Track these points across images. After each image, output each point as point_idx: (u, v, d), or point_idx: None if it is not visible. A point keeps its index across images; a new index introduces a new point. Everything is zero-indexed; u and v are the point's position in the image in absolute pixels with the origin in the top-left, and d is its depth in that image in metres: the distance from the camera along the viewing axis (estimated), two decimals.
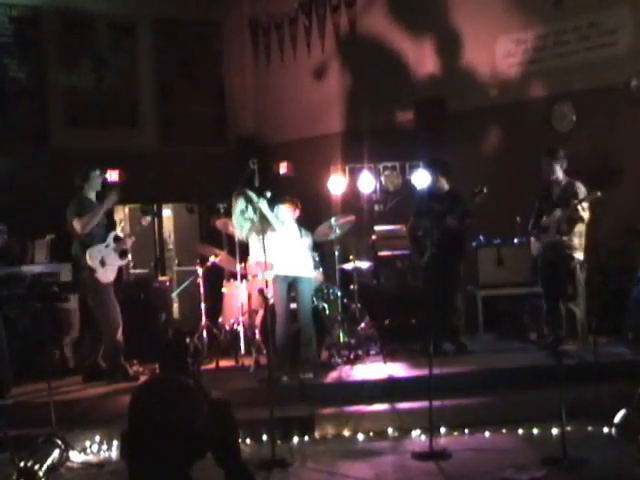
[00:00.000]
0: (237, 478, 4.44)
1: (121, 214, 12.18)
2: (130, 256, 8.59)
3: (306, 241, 8.89)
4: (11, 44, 12.22)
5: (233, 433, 3.52)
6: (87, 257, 7.98)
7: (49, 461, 6.16)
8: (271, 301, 8.04)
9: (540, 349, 8.47)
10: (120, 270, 8.39)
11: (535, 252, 8.47)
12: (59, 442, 6.42)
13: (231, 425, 3.27)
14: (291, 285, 8.11)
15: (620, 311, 8.45)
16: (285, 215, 8.30)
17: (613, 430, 6.32)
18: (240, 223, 7.97)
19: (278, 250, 8.07)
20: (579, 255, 8.20)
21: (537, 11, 10.59)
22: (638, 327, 7.66)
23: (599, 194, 7.90)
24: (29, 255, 9.54)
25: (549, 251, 8.28)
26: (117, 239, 8.24)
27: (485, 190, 8.32)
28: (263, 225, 7.70)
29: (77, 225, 8.01)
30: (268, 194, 7.96)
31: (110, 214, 8.52)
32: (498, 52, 11.00)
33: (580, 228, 8.15)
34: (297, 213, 8.83)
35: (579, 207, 8.00)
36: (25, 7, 12.28)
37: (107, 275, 8.08)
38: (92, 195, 8.25)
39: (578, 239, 8.18)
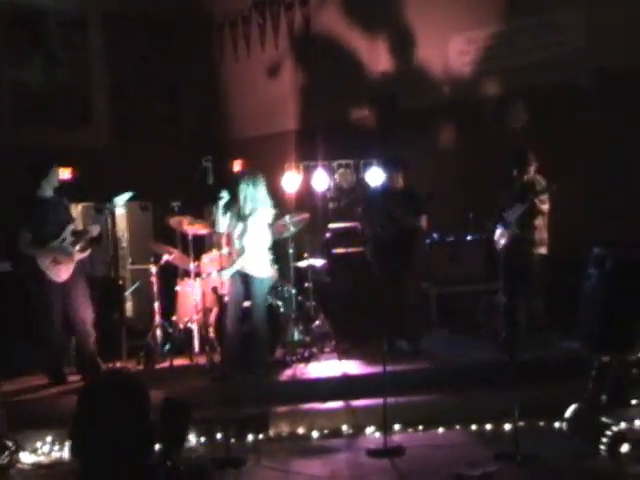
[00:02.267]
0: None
1: (74, 212, 12.04)
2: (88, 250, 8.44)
3: None
4: None
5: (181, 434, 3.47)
6: (39, 259, 7.87)
7: None
8: (225, 299, 8.01)
9: (494, 345, 8.52)
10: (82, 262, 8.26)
11: (500, 246, 8.50)
12: (9, 443, 6.35)
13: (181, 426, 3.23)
14: (245, 283, 8.05)
15: (574, 307, 8.52)
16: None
17: (564, 425, 6.40)
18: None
19: (234, 246, 8.03)
20: (540, 250, 8.26)
21: (490, 10, 10.67)
22: (589, 323, 7.73)
23: (555, 187, 7.97)
24: None
25: (511, 246, 8.33)
26: (75, 233, 8.12)
27: (432, 197, 8.37)
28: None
29: (20, 240, 7.89)
30: (224, 194, 7.93)
31: (68, 208, 8.39)
32: (451, 50, 11.07)
33: (540, 222, 8.21)
34: None
35: (536, 201, 8.06)
36: None
37: (60, 274, 7.96)
38: (48, 192, 8.10)
39: (539, 233, 8.23)
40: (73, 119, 12.74)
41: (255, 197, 7.94)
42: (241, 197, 7.94)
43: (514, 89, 10.45)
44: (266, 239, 8.12)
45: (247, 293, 8.06)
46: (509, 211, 8.30)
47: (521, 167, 8.29)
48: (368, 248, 8.90)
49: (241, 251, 7.91)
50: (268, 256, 8.25)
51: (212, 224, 8.26)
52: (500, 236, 8.46)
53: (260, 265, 8.01)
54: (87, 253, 8.30)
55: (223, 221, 7.89)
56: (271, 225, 8.20)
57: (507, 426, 6.64)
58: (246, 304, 8.19)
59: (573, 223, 9.30)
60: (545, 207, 8.16)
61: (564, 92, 9.92)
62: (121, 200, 8.63)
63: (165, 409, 3.24)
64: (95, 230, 8.28)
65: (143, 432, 2.44)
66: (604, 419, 6.24)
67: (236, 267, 7.93)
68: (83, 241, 8.16)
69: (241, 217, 7.94)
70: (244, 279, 8.00)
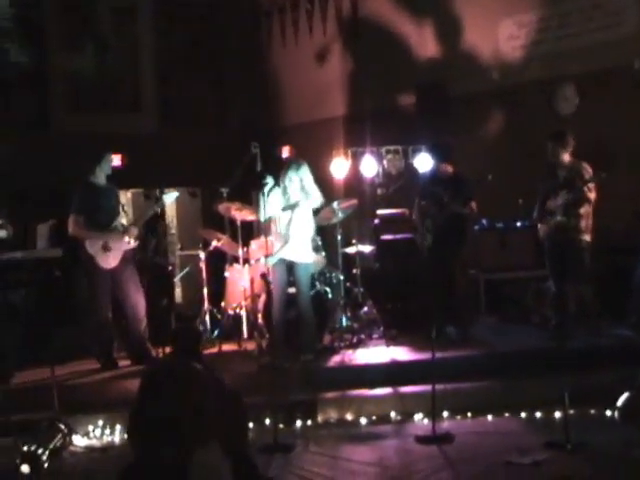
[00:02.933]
0: (242, 468, 4.45)
1: (123, 199, 12.15)
2: (136, 241, 8.54)
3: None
4: (11, 28, 12.18)
5: (241, 424, 3.50)
6: (86, 243, 7.98)
7: (52, 445, 6.18)
8: (272, 285, 8.02)
9: (543, 332, 8.45)
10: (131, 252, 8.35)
11: (542, 235, 8.43)
12: (62, 427, 6.45)
13: (240, 416, 3.25)
14: (290, 269, 8.06)
15: (625, 294, 8.43)
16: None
17: (616, 413, 6.32)
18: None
19: (279, 233, 8.04)
20: (586, 237, 8.17)
21: None
22: None
23: (604, 175, 7.86)
24: (31, 240, 9.51)
25: (556, 234, 8.24)
26: (123, 227, 8.22)
27: (490, 177, 8.30)
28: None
29: (70, 223, 8.01)
30: (269, 180, 7.93)
31: (118, 199, 8.48)
32: (500, 35, 10.95)
33: (586, 210, 8.11)
34: None
35: (584, 188, 7.96)
36: None
37: (108, 261, 8.05)
38: (101, 178, 8.21)
39: (585, 221, 8.13)
40: (122, 105, 12.85)
41: (301, 184, 7.94)
42: (287, 184, 7.94)
43: (565, 74, 10.32)
44: (310, 226, 8.12)
45: (292, 279, 8.07)
46: (554, 199, 8.21)
47: (559, 149, 8.19)
48: (420, 236, 8.85)
49: (286, 239, 7.90)
50: (311, 243, 8.26)
51: (257, 210, 8.28)
52: (542, 225, 8.38)
53: (303, 251, 8.01)
54: (136, 244, 8.39)
55: (268, 207, 7.89)
56: (318, 212, 8.20)
57: (557, 414, 6.58)
58: (292, 290, 8.21)
59: (626, 209, 9.19)
60: (592, 195, 8.05)
61: (617, 77, 9.77)
62: (169, 198, 8.70)
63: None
64: (134, 232, 8.31)
65: (198, 425, 2.45)
66: None
67: (280, 255, 7.93)
68: (134, 231, 8.26)
69: (287, 204, 7.94)
70: (288, 266, 8.01)
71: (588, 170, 8.09)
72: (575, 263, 8.11)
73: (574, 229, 8.09)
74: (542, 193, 8.38)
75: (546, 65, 10.52)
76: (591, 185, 8.01)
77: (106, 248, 8.01)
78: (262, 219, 8.00)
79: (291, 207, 7.90)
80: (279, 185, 7.99)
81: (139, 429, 2.49)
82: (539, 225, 8.44)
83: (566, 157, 8.23)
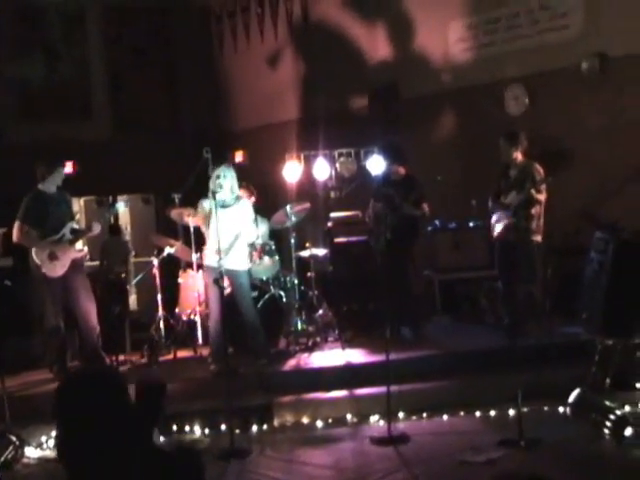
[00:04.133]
0: None
1: (76, 206, 12.05)
2: (85, 249, 8.49)
3: (262, 229, 8.89)
4: None
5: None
6: (33, 252, 7.89)
7: (3, 458, 6.11)
8: (228, 290, 7.99)
9: (497, 331, 8.52)
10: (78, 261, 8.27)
11: (495, 233, 8.50)
12: (14, 438, 6.36)
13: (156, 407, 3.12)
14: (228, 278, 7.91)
15: (575, 292, 8.52)
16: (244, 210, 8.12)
17: (568, 409, 6.40)
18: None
19: (212, 241, 7.81)
20: (536, 237, 8.25)
21: None
22: (591, 307, 7.72)
23: (550, 179, 7.97)
24: None
25: (506, 234, 8.32)
26: (74, 231, 8.14)
27: (439, 179, 8.35)
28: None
29: (15, 230, 7.94)
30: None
31: (69, 205, 8.39)
32: (450, 37, 11.02)
33: (537, 210, 8.19)
34: (252, 200, 8.84)
35: (532, 190, 8.04)
36: None
37: (55, 270, 7.95)
38: (52, 188, 8.12)
39: (535, 221, 8.22)
40: (74, 113, 12.74)
41: (231, 188, 7.88)
42: (226, 187, 7.84)
43: (514, 75, 10.41)
44: (248, 231, 8.09)
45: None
46: (505, 198, 8.29)
47: (511, 148, 8.28)
48: (373, 238, 8.88)
49: (226, 248, 7.69)
50: (265, 247, 8.24)
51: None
52: (496, 222, 8.44)
53: (241, 259, 7.97)
54: (84, 253, 8.32)
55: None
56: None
57: (511, 411, 6.64)
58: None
59: (576, 209, 9.30)
60: (541, 197, 8.14)
61: (565, 77, 9.89)
62: (121, 206, 8.64)
63: (138, 391, 3.18)
64: (97, 228, 8.27)
65: (123, 421, 2.42)
66: (608, 403, 6.25)
67: (216, 264, 7.54)
68: (82, 239, 8.20)
69: (224, 208, 7.82)
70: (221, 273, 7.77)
71: (540, 171, 8.17)
72: (525, 263, 8.19)
73: (524, 230, 8.17)
74: (494, 191, 8.46)
75: (495, 67, 10.60)
76: (541, 186, 8.09)
77: (52, 257, 7.92)
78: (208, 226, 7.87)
79: (228, 211, 7.79)
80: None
81: (65, 441, 2.44)
82: (493, 220, 8.49)
83: (518, 157, 8.32)
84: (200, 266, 8.94)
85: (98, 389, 2.41)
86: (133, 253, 11.16)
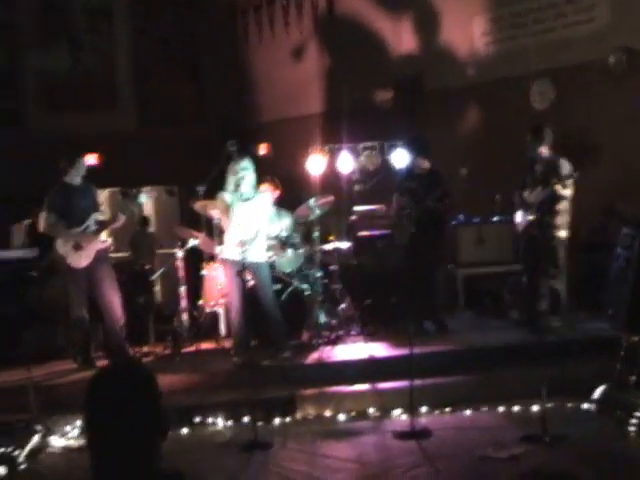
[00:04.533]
0: None
1: (101, 198, 12.09)
2: (110, 240, 8.53)
3: (285, 222, 8.89)
4: None
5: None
6: (58, 242, 7.94)
7: (29, 447, 6.14)
8: (251, 283, 8.00)
9: (521, 326, 8.48)
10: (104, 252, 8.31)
11: (519, 228, 8.46)
12: (39, 428, 6.40)
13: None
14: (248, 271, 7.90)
15: (600, 287, 8.47)
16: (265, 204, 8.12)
17: (592, 406, 6.36)
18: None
19: (233, 234, 7.88)
20: (562, 233, 8.19)
21: None
22: (617, 303, 7.67)
23: (576, 174, 7.89)
24: (6, 240, 9.48)
25: (531, 229, 8.27)
26: (99, 223, 8.17)
27: (464, 172, 8.31)
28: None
29: (41, 220, 7.99)
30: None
31: (94, 196, 8.43)
32: (476, 30, 10.98)
33: (563, 206, 8.13)
34: (277, 193, 8.86)
35: (558, 186, 7.98)
36: None
37: (80, 260, 7.99)
38: (76, 180, 8.16)
39: (561, 217, 8.16)
40: (99, 104, 12.80)
41: (254, 182, 7.89)
42: (248, 181, 7.83)
43: (540, 69, 10.36)
44: (268, 224, 8.11)
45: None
46: (530, 193, 8.24)
47: (535, 143, 8.22)
48: (397, 232, 8.87)
49: (247, 240, 7.71)
50: (288, 240, 8.25)
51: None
52: (520, 219, 8.40)
53: (262, 251, 7.99)
54: (108, 244, 8.36)
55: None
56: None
57: (534, 407, 6.59)
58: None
59: (603, 203, 9.24)
60: (567, 192, 8.07)
61: (591, 71, 9.82)
62: (145, 198, 8.70)
63: None
64: (121, 220, 8.31)
65: (153, 419, 2.42)
66: (633, 400, 6.21)
67: (237, 256, 7.63)
68: (106, 230, 8.24)
69: (245, 201, 7.84)
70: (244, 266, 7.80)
71: (566, 166, 8.09)
72: (548, 259, 8.15)
73: (549, 225, 8.12)
74: (519, 186, 8.41)
75: (521, 60, 10.55)
76: (567, 182, 8.02)
77: (77, 248, 7.95)
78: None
79: (249, 204, 7.80)
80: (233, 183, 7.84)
81: (93, 434, 2.44)
82: (518, 216, 8.45)
83: (544, 151, 8.25)
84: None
85: (128, 383, 2.41)
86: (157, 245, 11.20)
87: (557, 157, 8.22)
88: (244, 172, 7.74)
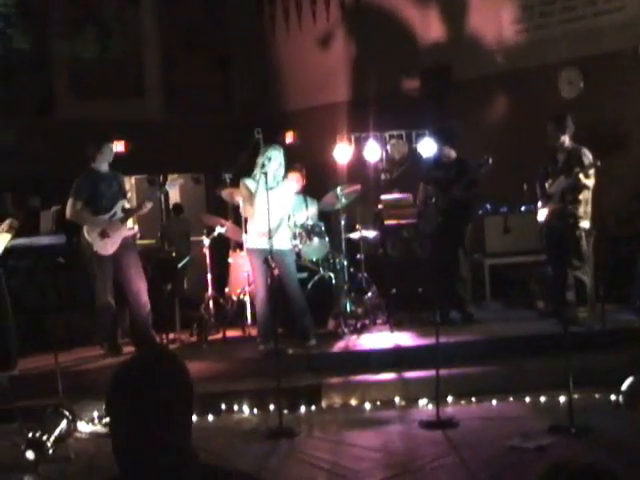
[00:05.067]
0: None
1: (127, 185, 12.15)
2: (136, 227, 8.57)
3: (311, 210, 8.89)
4: (14, 14, 12.18)
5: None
6: (84, 229, 7.98)
7: (57, 431, 6.18)
8: (276, 272, 7.99)
9: (547, 317, 8.44)
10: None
11: (542, 218, 8.41)
12: (66, 413, 6.44)
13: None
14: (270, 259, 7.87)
15: (628, 279, 8.42)
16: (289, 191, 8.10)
17: (620, 398, 6.32)
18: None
19: (257, 222, 7.84)
20: (584, 223, 8.13)
21: None
22: None
23: (598, 163, 7.81)
24: (34, 227, 9.53)
25: (554, 219, 8.22)
26: (126, 210, 8.20)
27: (490, 161, 8.25)
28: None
29: (68, 207, 8.04)
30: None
31: (121, 183, 8.45)
32: (504, 18, 10.90)
33: (585, 195, 8.06)
34: (302, 182, 8.86)
35: (581, 175, 7.91)
36: None
37: (106, 247, 8.02)
38: (104, 166, 8.17)
39: (583, 207, 8.09)
40: (125, 91, 12.84)
41: (281, 170, 7.86)
42: (272, 169, 7.73)
43: (569, 57, 10.28)
44: (292, 212, 8.14)
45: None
46: (552, 183, 8.17)
47: (557, 132, 8.15)
48: (423, 220, 8.85)
49: (272, 228, 7.65)
50: (315, 228, 8.28)
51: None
52: (542, 207, 8.33)
53: (286, 239, 7.99)
54: (135, 231, 8.39)
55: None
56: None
57: (561, 398, 6.57)
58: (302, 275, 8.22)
59: (630, 193, 9.16)
60: (590, 182, 7.99)
61: (621, 60, 9.73)
62: (172, 187, 8.74)
63: None
64: (148, 206, 8.34)
65: (184, 408, 2.41)
66: None
67: (262, 244, 7.69)
68: (133, 217, 8.27)
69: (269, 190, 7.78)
70: (266, 255, 7.65)
71: (588, 155, 8.02)
72: (573, 249, 8.09)
73: (572, 215, 8.05)
74: (541, 176, 8.34)
75: (550, 49, 10.47)
76: (590, 171, 7.95)
77: (104, 234, 7.99)
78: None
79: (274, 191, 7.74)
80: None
81: (118, 425, 2.42)
82: (539, 205, 8.40)
83: (566, 140, 8.17)
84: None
85: (160, 372, 2.40)
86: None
87: (579, 146, 8.14)
88: (270, 161, 7.70)
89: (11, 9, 12.30)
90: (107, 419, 2.36)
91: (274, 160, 7.70)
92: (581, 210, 8.06)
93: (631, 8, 9.76)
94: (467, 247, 8.76)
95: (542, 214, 8.32)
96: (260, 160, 7.70)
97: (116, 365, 2.40)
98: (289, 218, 8.23)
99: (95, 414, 6.92)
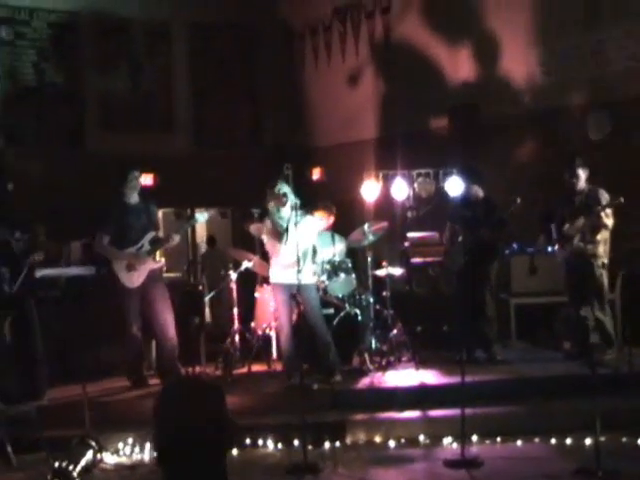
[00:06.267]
0: None
1: None
2: (163, 259, 8.63)
3: (339, 247, 8.94)
4: (49, 49, 12.40)
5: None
6: (112, 262, 8.07)
7: (83, 462, 6.22)
8: (301, 307, 8.03)
9: (573, 359, 8.40)
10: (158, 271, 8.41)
11: (560, 259, 8.43)
12: (93, 443, 6.48)
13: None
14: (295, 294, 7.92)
15: None
16: (312, 226, 8.17)
17: None
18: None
19: (280, 257, 7.98)
20: (604, 263, 8.15)
21: (574, 18, 10.54)
22: None
23: (622, 200, 7.82)
24: (65, 257, 9.63)
25: (573, 259, 8.23)
26: (153, 242, 8.26)
27: (518, 201, 8.28)
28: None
29: (95, 241, 8.14)
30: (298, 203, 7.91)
31: (152, 215, 8.51)
32: (532, 59, 10.96)
33: (604, 235, 8.09)
34: (332, 219, 8.91)
35: (602, 214, 7.94)
36: (63, 12, 12.46)
37: (132, 280, 8.10)
38: (133, 198, 8.26)
39: (602, 246, 8.12)
40: (156, 126, 12.99)
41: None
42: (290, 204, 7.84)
43: (597, 100, 10.31)
44: (315, 247, 8.18)
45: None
46: (571, 226, 8.20)
47: (572, 176, 8.21)
48: (450, 259, 8.87)
49: (297, 262, 7.75)
50: (342, 265, 8.32)
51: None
52: (559, 250, 8.36)
53: (309, 273, 8.03)
54: (162, 264, 8.46)
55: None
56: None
57: (588, 440, 6.53)
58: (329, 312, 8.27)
59: None
60: (609, 221, 8.02)
61: None
62: (202, 217, 8.81)
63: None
64: (176, 239, 8.41)
65: (220, 434, 2.45)
66: None
67: (286, 279, 7.87)
68: (160, 249, 8.34)
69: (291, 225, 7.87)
70: (291, 290, 7.89)
71: (605, 196, 8.07)
72: (593, 289, 8.09)
73: (592, 255, 8.08)
74: (559, 218, 8.37)
75: (579, 91, 10.51)
76: (608, 210, 7.98)
77: (130, 267, 8.07)
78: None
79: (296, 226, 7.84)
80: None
81: (164, 448, 2.47)
82: (556, 250, 8.43)
83: (581, 183, 8.23)
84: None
85: (198, 400, 2.45)
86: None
87: (595, 187, 8.19)
88: (288, 196, 7.81)
89: (45, 43, 12.51)
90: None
91: (290, 194, 7.80)
92: (600, 249, 8.08)
93: None
94: (493, 286, 8.77)
95: (560, 254, 8.34)
96: (272, 198, 7.79)
97: (145, 396, 2.45)
98: (315, 253, 8.27)
99: (120, 445, 6.95)
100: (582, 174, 8.22)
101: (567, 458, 6.37)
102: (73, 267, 9.19)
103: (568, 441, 6.73)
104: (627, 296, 8.52)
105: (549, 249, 9.63)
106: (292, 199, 7.82)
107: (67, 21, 12.53)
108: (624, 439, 6.63)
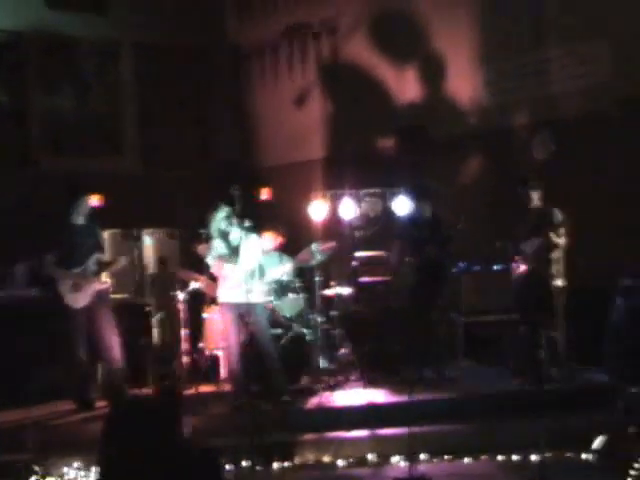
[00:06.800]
0: None
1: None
2: (110, 281, 8.56)
3: (287, 267, 8.94)
4: None
5: None
6: (58, 282, 8.01)
7: None
8: (249, 326, 8.03)
9: (519, 375, 8.47)
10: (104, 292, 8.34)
11: (514, 277, 8.52)
12: (37, 469, 6.38)
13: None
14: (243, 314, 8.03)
15: (599, 338, 8.48)
16: (258, 244, 8.20)
17: (592, 456, 6.35)
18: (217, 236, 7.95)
19: (227, 277, 8.01)
20: (557, 282, 8.24)
21: (518, 40, 10.70)
22: (616, 354, 7.70)
23: (569, 222, 7.95)
24: (9, 280, 9.50)
25: (527, 278, 8.32)
26: (99, 264, 8.22)
27: (461, 225, 8.37)
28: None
29: (44, 263, 8.07)
30: (247, 223, 7.96)
31: (97, 237, 8.47)
32: (479, 80, 11.09)
33: (557, 255, 8.20)
34: (280, 240, 8.92)
35: (552, 234, 8.05)
36: (7, 31, 12.30)
37: (77, 300, 8.05)
38: (80, 220, 8.27)
39: (556, 265, 8.22)
40: (104, 147, 12.89)
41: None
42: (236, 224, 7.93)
43: (541, 120, 10.45)
44: (262, 266, 8.23)
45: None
46: (525, 243, 8.30)
47: (527, 193, 8.33)
48: (397, 278, 8.92)
49: (248, 282, 7.84)
50: (289, 284, 8.33)
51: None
52: (516, 267, 8.46)
53: (260, 292, 8.05)
54: (108, 285, 8.41)
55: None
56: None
57: (534, 457, 6.59)
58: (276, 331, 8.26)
59: (600, 254, 9.26)
60: (561, 241, 8.14)
61: (591, 123, 9.90)
62: (147, 239, 8.80)
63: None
64: (123, 262, 8.38)
65: (171, 453, 2.44)
66: (632, 451, 6.19)
67: (236, 299, 7.91)
68: (106, 271, 8.29)
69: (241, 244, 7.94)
70: (240, 310, 7.97)
71: (558, 216, 8.18)
72: (545, 309, 8.19)
73: (544, 275, 8.17)
74: (514, 236, 8.47)
75: (523, 111, 10.65)
76: (561, 230, 8.09)
77: (76, 287, 8.02)
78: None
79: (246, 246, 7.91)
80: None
81: (109, 471, 2.45)
82: (513, 266, 8.51)
83: (535, 202, 8.34)
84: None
85: (151, 418, 2.44)
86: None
87: (549, 207, 8.31)
88: (225, 222, 7.87)
89: None
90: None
91: (234, 216, 7.85)
92: (553, 269, 8.18)
93: (601, 73, 9.96)
94: (442, 305, 8.83)
95: (516, 272, 8.43)
96: (216, 222, 7.84)
97: (92, 419, 2.43)
98: (262, 273, 8.28)
99: (65, 470, 6.84)
100: (534, 195, 8.33)
101: (513, 475, 6.44)
102: (17, 289, 9.06)
103: (514, 458, 6.78)
104: (572, 312, 8.61)
105: (496, 267, 9.76)
106: (238, 220, 7.84)
107: (11, 40, 12.38)
108: (569, 454, 6.70)
